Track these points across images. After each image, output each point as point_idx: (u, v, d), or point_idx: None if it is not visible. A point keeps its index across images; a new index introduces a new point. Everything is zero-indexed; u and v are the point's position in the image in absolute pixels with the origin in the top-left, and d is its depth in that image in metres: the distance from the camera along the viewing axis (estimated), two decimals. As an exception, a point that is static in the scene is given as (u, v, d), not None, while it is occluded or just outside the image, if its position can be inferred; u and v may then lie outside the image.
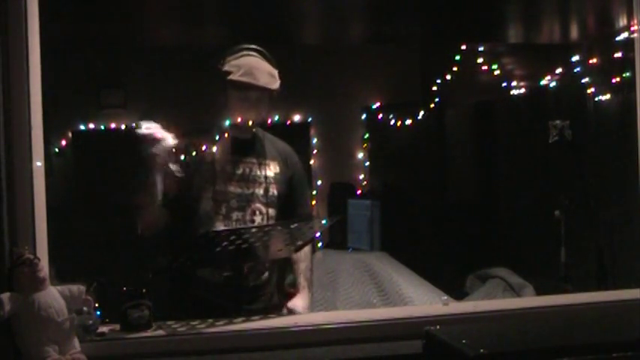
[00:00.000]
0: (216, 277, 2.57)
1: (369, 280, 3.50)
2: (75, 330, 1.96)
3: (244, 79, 2.61)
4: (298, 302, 2.70)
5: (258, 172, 2.70)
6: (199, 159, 2.62)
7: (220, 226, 2.58)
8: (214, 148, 2.66)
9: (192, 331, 2.17)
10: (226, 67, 2.63)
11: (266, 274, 2.69)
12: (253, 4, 4.31)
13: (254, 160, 2.72)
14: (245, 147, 2.73)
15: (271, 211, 2.69)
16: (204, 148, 2.65)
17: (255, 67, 2.64)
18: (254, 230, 2.37)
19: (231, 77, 2.60)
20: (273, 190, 2.72)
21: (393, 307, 3.17)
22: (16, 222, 2.03)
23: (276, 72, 2.69)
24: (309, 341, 2.13)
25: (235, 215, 2.63)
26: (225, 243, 2.28)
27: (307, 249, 2.79)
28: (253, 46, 2.70)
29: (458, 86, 6.52)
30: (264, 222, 2.67)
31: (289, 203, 2.77)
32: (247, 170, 2.70)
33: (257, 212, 2.67)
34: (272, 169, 2.75)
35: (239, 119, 2.69)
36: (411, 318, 2.26)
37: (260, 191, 2.68)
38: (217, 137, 2.69)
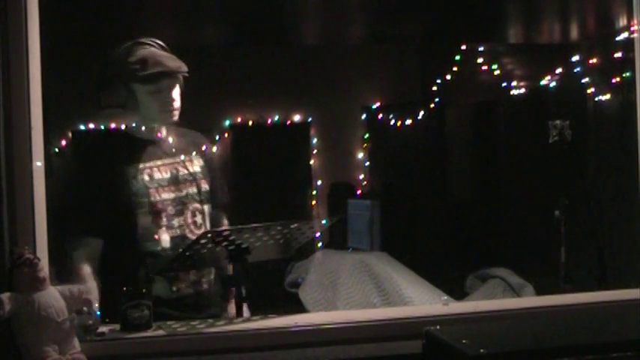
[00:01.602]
0: (170, 293, 2.50)
1: (369, 280, 3.48)
2: (75, 330, 1.96)
3: (155, 69, 2.47)
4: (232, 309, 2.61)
5: (186, 171, 2.60)
6: (124, 174, 2.50)
7: (167, 237, 2.49)
8: (135, 156, 2.53)
9: (192, 331, 2.17)
10: (130, 66, 2.49)
11: (211, 277, 2.61)
12: (253, 4, 4.31)
13: (177, 159, 2.60)
14: (165, 147, 2.60)
15: (206, 208, 2.61)
16: (125, 158, 2.52)
17: (159, 55, 2.52)
18: (253, 230, 2.36)
19: (140, 74, 2.47)
20: (205, 185, 2.63)
21: (393, 307, 3.16)
22: (16, 222, 2.03)
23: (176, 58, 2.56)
24: (309, 341, 2.13)
25: (177, 222, 2.53)
26: (225, 243, 2.27)
27: None
28: (146, 39, 2.58)
29: (458, 86, 6.52)
30: (205, 221, 2.58)
31: (213, 193, 2.68)
32: (174, 171, 2.58)
33: (197, 213, 2.57)
34: (197, 163, 2.65)
35: (156, 114, 2.55)
36: (411, 318, 2.26)
37: (193, 190, 2.59)
38: (134, 144, 2.56)
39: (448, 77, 6.48)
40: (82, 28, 4.73)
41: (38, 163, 2.09)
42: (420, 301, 3.25)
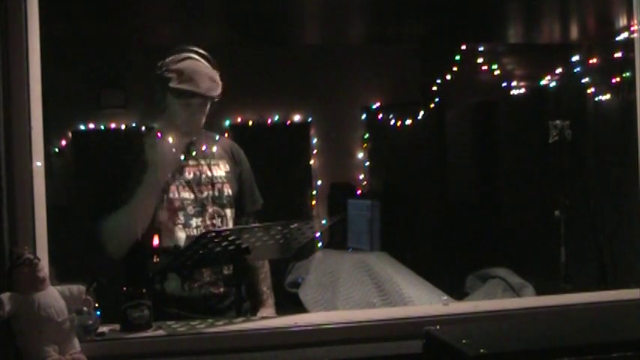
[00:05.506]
0: (185, 291, 2.49)
1: (369, 280, 3.49)
2: (75, 330, 1.96)
3: (185, 86, 2.50)
4: (265, 314, 2.63)
5: (209, 174, 2.62)
6: (147, 169, 2.49)
7: (182, 235, 2.50)
8: (160, 155, 2.53)
9: (192, 331, 2.17)
10: (166, 74, 2.53)
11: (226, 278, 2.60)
12: (253, 4, 4.31)
13: (202, 162, 2.63)
14: (191, 149, 2.63)
15: (228, 212, 2.63)
16: (150, 155, 2.52)
17: (196, 72, 2.53)
18: (253, 230, 2.37)
19: (171, 85, 2.50)
20: (228, 190, 2.64)
21: (393, 307, 3.16)
22: (16, 222, 2.03)
23: (217, 76, 2.57)
24: (309, 341, 2.13)
25: (194, 222, 2.55)
26: (225, 243, 2.27)
27: None
28: (195, 49, 2.59)
29: (458, 86, 6.52)
30: (224, 225, 2.59)
31: (240, 199, 2.71)
32: (197, 173, 2.61)
33: (215, 215, 2.59)
34: (222, 168, 2.67)
35: (181, 124, 2.58)
36: (411, 318, 2.26)
37: (214, 193, 2.61)
38: (161, 143, 2.56)
39: (448, 77, 6.48)
40: (82, 28, 4.73)
41: (38, 163, 2.09)
42: (420, 301, 3.26)
